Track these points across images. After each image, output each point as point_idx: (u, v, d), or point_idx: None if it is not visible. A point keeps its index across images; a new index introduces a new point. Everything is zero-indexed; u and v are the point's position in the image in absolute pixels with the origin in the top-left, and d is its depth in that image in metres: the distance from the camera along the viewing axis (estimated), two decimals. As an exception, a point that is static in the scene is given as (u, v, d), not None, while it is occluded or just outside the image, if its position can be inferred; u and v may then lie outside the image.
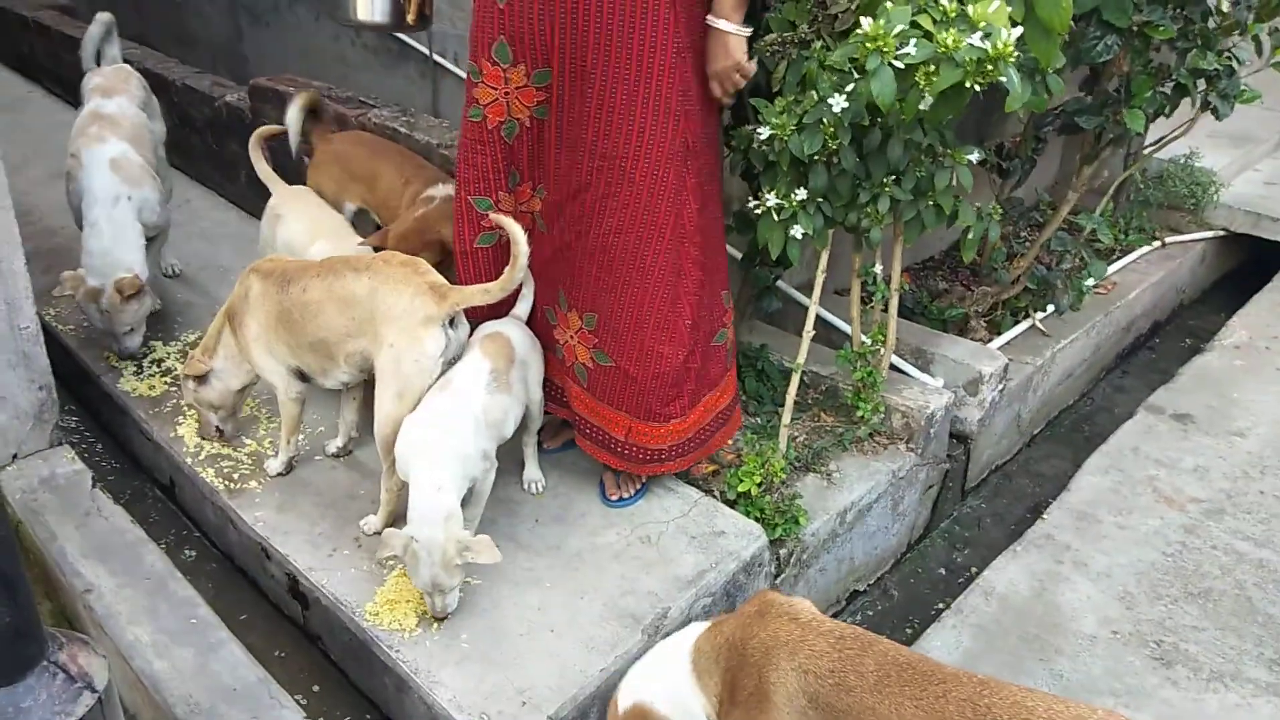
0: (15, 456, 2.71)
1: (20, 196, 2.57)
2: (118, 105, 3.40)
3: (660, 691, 1.93)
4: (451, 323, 2.37)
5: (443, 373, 2.38)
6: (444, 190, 2.93)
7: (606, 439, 2.58)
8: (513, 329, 2.52)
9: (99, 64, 3.75)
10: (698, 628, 1.98)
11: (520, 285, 2.59)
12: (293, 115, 3.25)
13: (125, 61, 3.82)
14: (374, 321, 2.36)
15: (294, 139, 3.28)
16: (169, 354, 3.24)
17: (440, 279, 2.39)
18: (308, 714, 2.12)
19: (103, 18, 3.76)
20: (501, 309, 2.59)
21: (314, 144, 3.30)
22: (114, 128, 3.29)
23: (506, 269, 2.35)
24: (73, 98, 3.56)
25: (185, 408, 2.93)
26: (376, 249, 2.72)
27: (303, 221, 2.91)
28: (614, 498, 2.62)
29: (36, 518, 2.55)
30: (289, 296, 2.47)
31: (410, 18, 2.59)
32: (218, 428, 2.77)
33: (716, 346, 2.59)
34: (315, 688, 2.39)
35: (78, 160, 3.20)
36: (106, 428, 3.29)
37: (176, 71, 4.64)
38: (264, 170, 3.11)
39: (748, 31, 2.27)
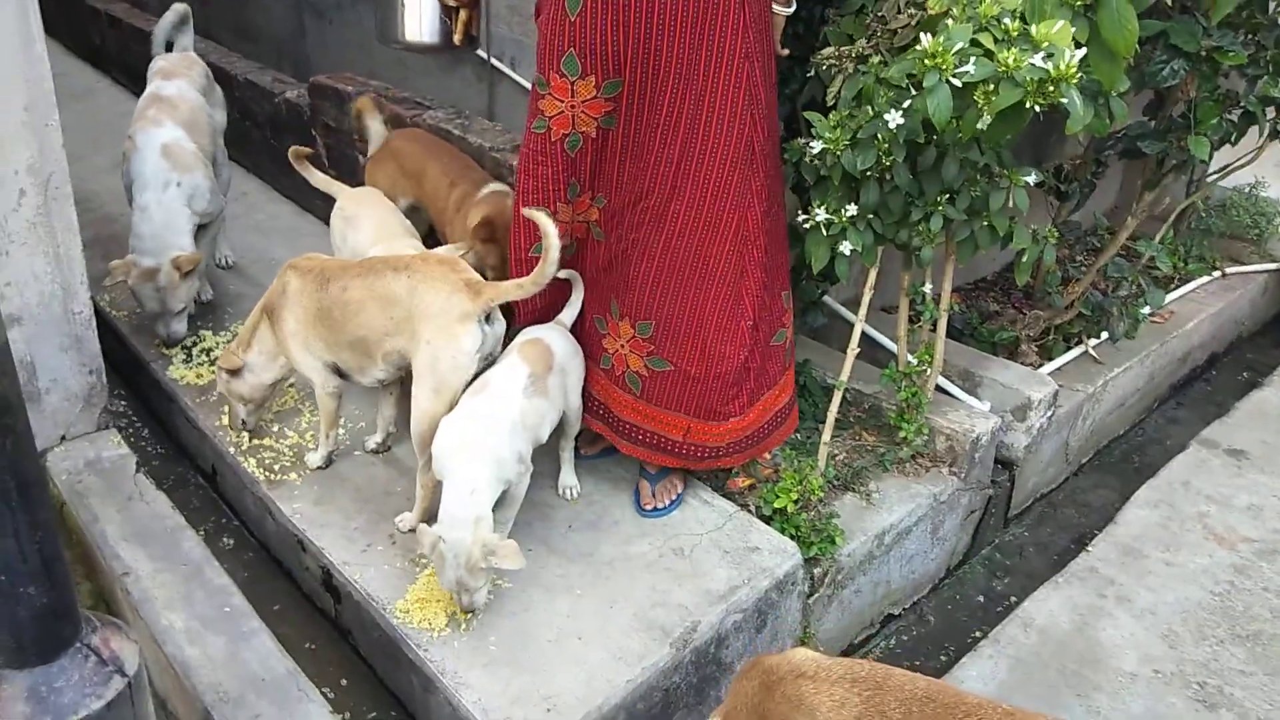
0: (64, 438, 2.76)
1: (81, 184, 2.63)
2: (177, 88, 3.45)
3: None
4: (488, 319, 2.38)
5: (480, 371, 2.39)
6: (493, 187, 2.99)
7: (662, 441, 2.57)
8: (554, 335, 2.51)
9: (168, 52, 3.81)
10: None
11: (571, 293, 2.59)
12: (376, 128, 3.34)
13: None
14: (412, 320, 2.37)
15: (376, 143, 3.37)
16: (218, 343, 3.29)
17: (476, 276, 2.40)
18: (334, 707, 2.13)
19: (178, 8, 3.82)
20: (548, 314, 2.59)
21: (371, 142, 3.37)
22: (171, 111, 3.34)
23: (539, 263, 2.34)
24: (140, 88, 3.63)
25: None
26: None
27: (370, 224, 2.94)
28: (649, 507, 2.60)
29: (80, 499, 2.59)
30: (328, 295, 2.49)
31: (457, 38, 2.60)
32: (243, 420, 2.80)
33: (775, 346, 2.60)
34: (343, 681, 2.40)
35: (133, 142, 3.26)
36: (154, 414, 3.35)
37: (239, 66, 4.72)
38: (319, 180, 3.13)
39: (789, 10, 2.40)
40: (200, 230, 3.38)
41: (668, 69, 2.26)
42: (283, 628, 2.42)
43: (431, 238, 3.31)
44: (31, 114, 2.42)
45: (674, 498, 2.62)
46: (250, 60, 4.95)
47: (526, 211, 2.39)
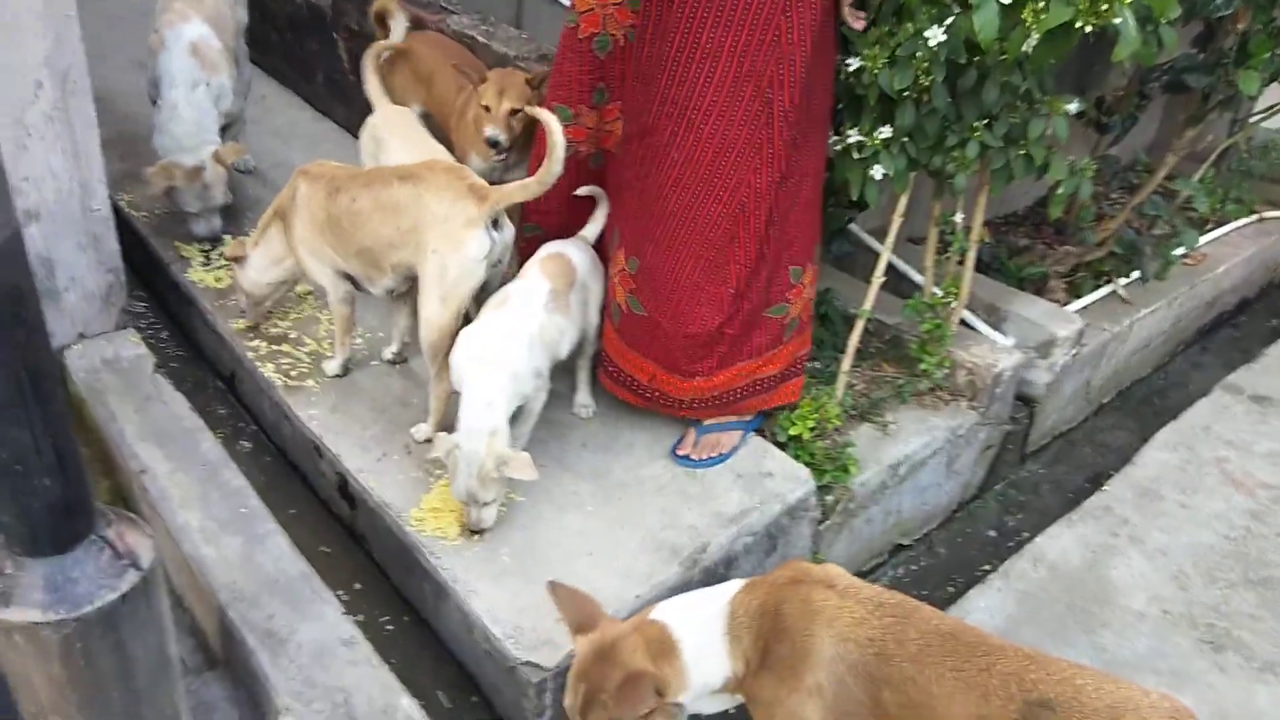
0: (81, 336, 2.76)
1: (100, 82, 2.58)
2: None
3: (690, 631, 1.83)
4: (495, 224, 2.35)
5: (490, 280, 2.37)
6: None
7: (630, 381, 2.54)
8: (575, 250, 2.48)
9: None
10: (735, 585, 1.90)
11: (595, 208, 2.55)
12: (397, 30, 3.26)
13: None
14: (418, 230, 2.35)
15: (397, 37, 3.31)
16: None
17: (480, 181, 2.36)
18: (347, 610, 2.15)
19: None
20: (573, 227, 2.56)
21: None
22: (197, 5, 3.27)
23: (544, 161, 2.29)
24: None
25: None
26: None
27: (399, 148, 2.87)
28: (681, 453, 2.53)
29: (98, 397, 2.60)
30: (337, 205, 2.47)
31: None
32: (241, 310, 2.82)
33: (770, 319, 2.47)
34: (357, 585, 2.43)
35: (159, 38, 3.20)
36: (173, 316, 3.34)
37: (261, -35, 4.60)
38: (373, 86, 3.07)
39: None
40: (222, 131, 3.34)
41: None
42: (298, 532, 2.44)
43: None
44: (49, 4, 2.36)
45: (714, 455, 2.52)
46: (273, -40, 4.82)
47: (531, 109, 2.33)
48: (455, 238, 2.31)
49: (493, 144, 2.79)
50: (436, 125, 3.21)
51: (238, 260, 2.71)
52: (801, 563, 1.89)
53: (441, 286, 2.34)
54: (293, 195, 2.56)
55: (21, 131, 2.42)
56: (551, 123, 2.24)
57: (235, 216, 3.46)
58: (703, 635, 1.82)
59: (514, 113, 2.77)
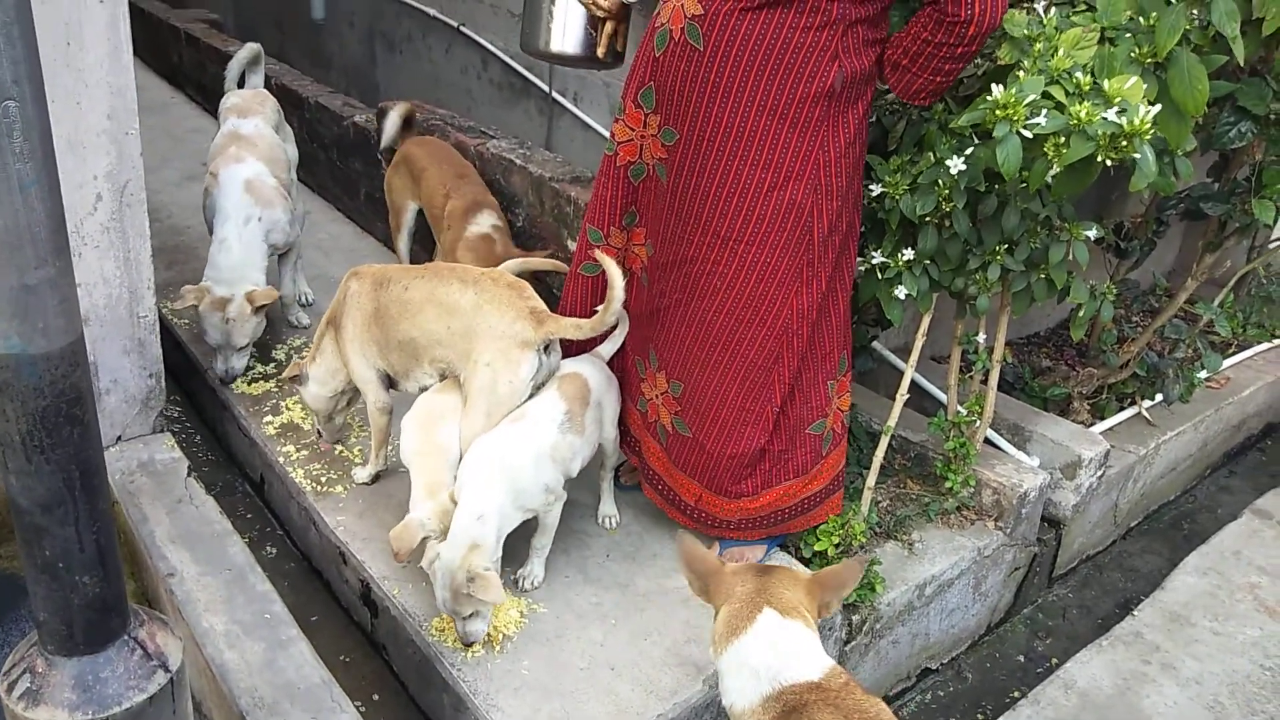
0: (119, 439, 2.82)
1: (153, 195, 2.70)
2: (254, 126, 3.54)
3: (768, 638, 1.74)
4: (546, 349, 2.40)
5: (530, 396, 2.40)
6: (489, 221, 3.20)
7: (676, 499, 2.56)
8: (590, 368, 2.52)
9: (241, 86, 3.90)
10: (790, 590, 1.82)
11: (615, 328, 2.61)
12: (392, 119, 3.54)
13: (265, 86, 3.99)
14: (471, 336, 2.39)
15: (387, 139, 3.66)
16: (273, 357, 3.35)
17: (541, 305, 2.42)
18: (365, 722, 2.13)
19: (252, 46, 3.92)
20: (589, 343, 2.62)
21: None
22: (251, 148, 3.42)
23: (601, 308, 2.37)
24: (212, 105, 3.75)
25: (285, 408, 3.04)
26: None
27: None
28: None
29: (132, 499, 2.64)
30: (388, 294, 2.53)
31: (601, 51, 2.57)
32: (318, 430, 2.85)
33: (811, 435, 2.50)
34: (375, 696, 2.40)
35: (215, 178, 3.33)
36: (207, 421, 3.41)
37: (310, 89, 4.84)
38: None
39: None
40: (281, 260, 3.50)
41: (725, 138, 2.18)
42: (319, 638, 2.43)
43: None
44: (114, 121, 2.50)
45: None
46: (320, 85, 5.08)
47: (597, 256, 2.39)
48: (510, 357, 2.35)
49: None
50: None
51: (297, 380, 2.75)
52: (851, 680, 1.75)
53: (489, 401, 2.37)
54: (344, 296, 2.62)
55: (79, 241, 2.53)
56: (614, 275, 2.31)
57: (272, 326, 3.54)
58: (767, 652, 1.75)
59: None
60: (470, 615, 2.17)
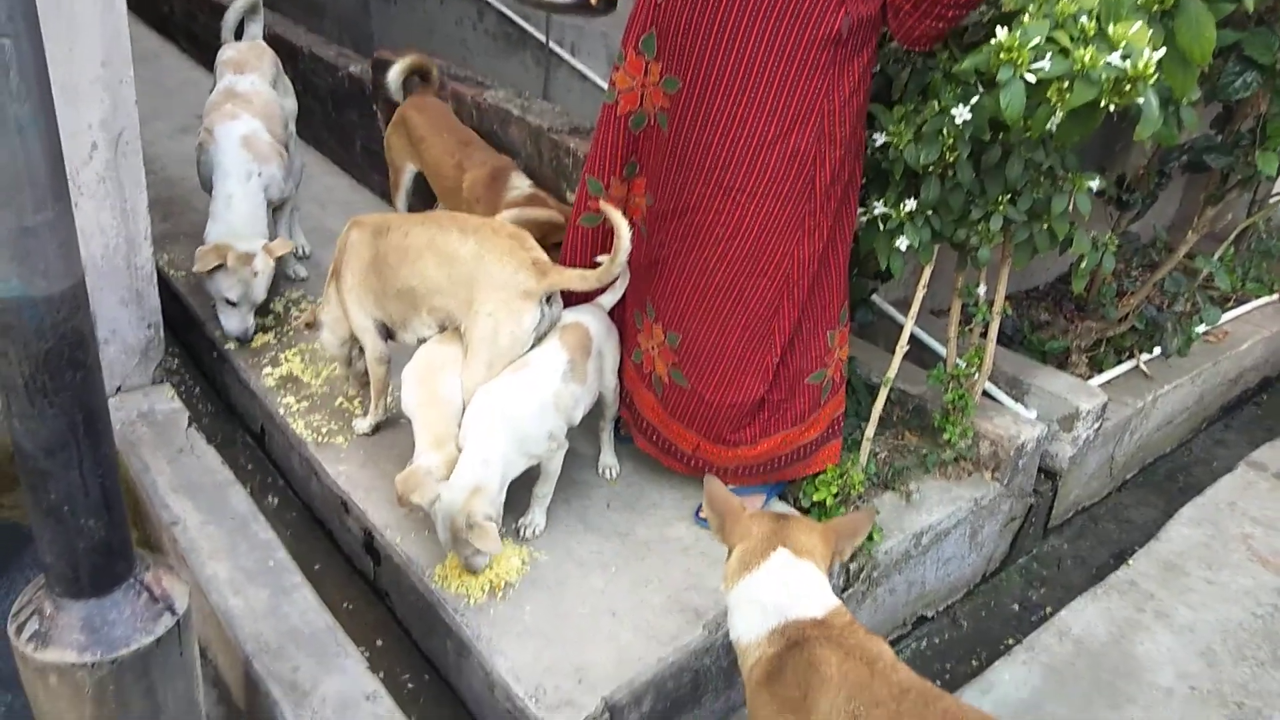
0: (119, 389, 2.82)
1: (146, 146, 2.67)
2: (250, 83, 3.50)
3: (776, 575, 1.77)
4: (548, 300, 2.39)
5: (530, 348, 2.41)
6: (525, 181, 3.13)
7: (672, 448, 2.57)
8: (591, 318, 2.52)
9: (238, 38, 3.84)
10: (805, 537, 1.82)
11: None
12: (394, 74, 3.46)
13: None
14: (471, 285, 2.39)
15: (393, 92, 3.52)
16: (271, 309, 3.34)
17: (543, 256, 2.41)
18: (369, 667, 2.15)
19: None
20: (590, 294, 2.61)
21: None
22: (246, 105, 3.39)
23: (606, 259, 2.36)
24: (204, 56, 3.70)
25: (284, 360, 3.04)
26: None
27: None
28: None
29: (133, 449, 2.64)
30: (386, 242, 2.52)
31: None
32: (346, 376, 2.87)
33: (810, 385, 2.51)
34: (379, 642, 2.43)
35: (210, 135, 3.29)
36: (206, 373, 3.41)
37: (304, 39, 4.78)
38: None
39: None
40: (276, 213, 3.46)
41: (730, 85, 2.16)
42: (322, 588, 2.44)
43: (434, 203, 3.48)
44: (107, 69, 2.47)
45: None
46: (314, 35, 5.01)
47: (603, 207, 2.37)
48: (512, 307, 2.35)
49: None
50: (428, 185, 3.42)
51: (311, 326, 2.78)
52: (855, 623, 1.77)
53: (491, 351, 2.37)
54: (344, 245, 2.62)
55: (75, 190, 2.51)
56: (621, 227, 2.30)
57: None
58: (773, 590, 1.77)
59: None
60: (472, 553, 2.21)
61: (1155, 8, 2.08)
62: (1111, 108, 1.89)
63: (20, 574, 2.48)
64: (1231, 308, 4.01)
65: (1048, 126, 1.99)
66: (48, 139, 1.32)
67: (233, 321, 3.13)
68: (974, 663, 2.71)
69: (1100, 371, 3.41)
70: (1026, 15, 1.97)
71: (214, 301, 3.15)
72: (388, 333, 2.64)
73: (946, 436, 2.79)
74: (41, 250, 1.34)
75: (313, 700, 2.02)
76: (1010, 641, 2.74)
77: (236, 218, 3.17)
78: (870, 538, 2.54)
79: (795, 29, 2.08)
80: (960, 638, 2.83)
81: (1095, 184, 2.44)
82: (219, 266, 3.04)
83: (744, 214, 2.26)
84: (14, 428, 1.44)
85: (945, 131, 2.20)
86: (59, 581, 1.54)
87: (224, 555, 2.35)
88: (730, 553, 1.87)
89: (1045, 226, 2.47)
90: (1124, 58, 1.85)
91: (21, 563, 2.52)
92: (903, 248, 2.41)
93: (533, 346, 2.42)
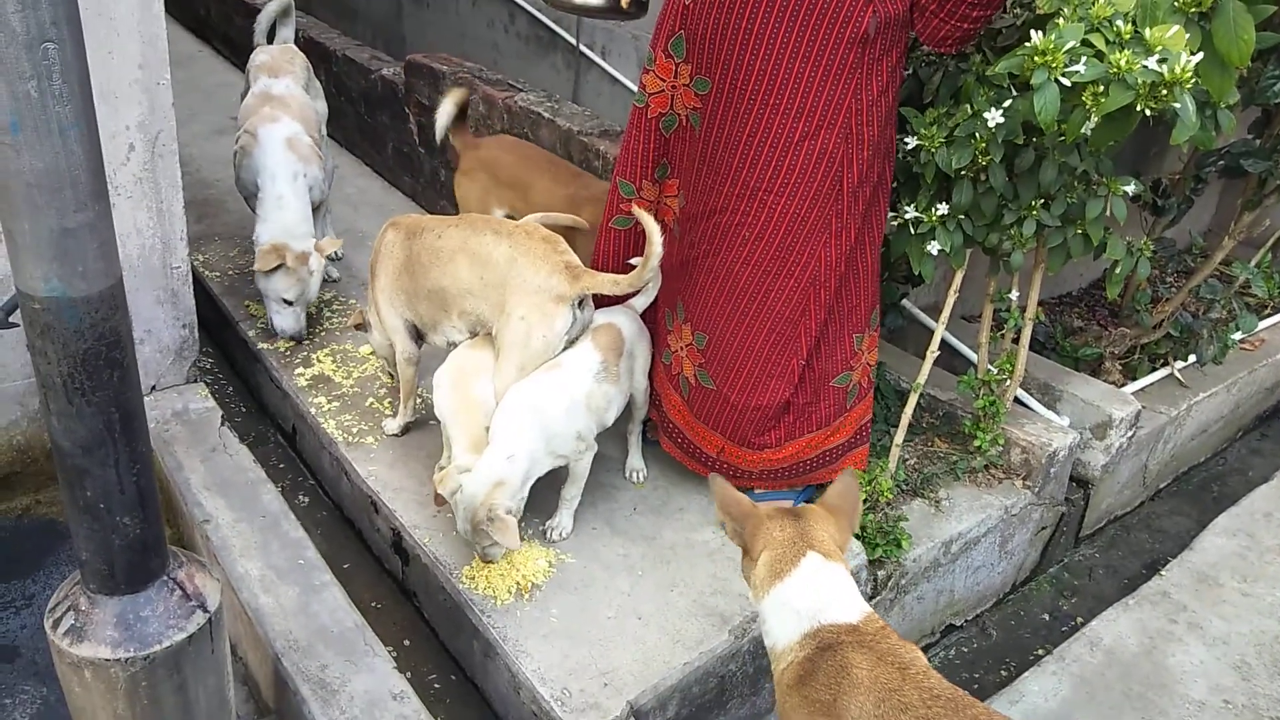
0: (154, 388, 2.86)
1: (182, 148, 2.71)
2: (285, 86, 3.53)
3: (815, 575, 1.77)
4: (580, 304, 2.40)
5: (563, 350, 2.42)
6: None
7: (697, 451, 2.57)
8: (624, 319, 2.53)
9: (270, 41, 3.87)
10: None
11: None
12: (446, 108, 3.24)
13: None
14: (504, 288, 2.40)
15: (440, 130, 3.22)
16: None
17: (576, 260, 2.42)
18: (397, 666, 2.17)
19: None
20: (622, 296, 2.61)
21: (455, 146, 3.27)
22: (284, 108, 3.42)
23: (639, 263, 2.36)
24: (239, 58, 3.73)
25: (316, 360, 3.07)
26: None
27: None
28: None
29: (166, 447, 2.68)
30: (420, 242, 2.53)
31: (625, 1, 2.54)
32: (389, 373, 2.89)
33: (835, 388, 2.50)
34: (406, 642, 2.45)
35: (254, 137, 3.31)
36: (239, 372, 3.45)
37: (338, 42, 4.83)
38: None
39: None
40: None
41: (756, 89, 2.16)
42: (351, 586, 2.47)
43: None
44: (145, 71, 2.51)
45: None
46: (348, 38, 5.06)
47: (635, 212, 2.37)
48: (545, 311, 2.36)
49: None
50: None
51: (360, 327, 2.83)
52: (888, 629, 1.76)
53: (523, 355, 2.38)
54: (380, 246, 2.64)
55: (112, 191, 2.55)
56: (653, 232, 2.30)
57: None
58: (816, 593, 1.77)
59: None
60: (489, 544, 2.23)
61: (1193, 10, 2.05)
62: (1147, 112, 1.87)
63: (56, 570, 2.52)
64: (1269, 315, 3.95)
65: (1082, 131, 1.97)
66: (89, 141, 1.34)
67: (288, 321, 3.16)
68: (1003, 672, 2.69)
69: (1134, 379, 3.37)
70: (1061, 18, 1.95)
71: (265, 301, 3.17)
72: (418, 335, 2.66)
73: (977, 443, 2.77)
74: (81, 251, 1.36)
75: (341, 698, 2.03)
76: (1040, 651, 2.72)
77: (289, 218, 3.19)
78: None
79: (823, 29, 2.08)
80: (989, 647, 2.80)
81: (1131, 188, 2.42)
82: (278, 266, 3.06)
83: (770, 215, 2.26)
84: (52, 426, 1.46)
85: (978, 135, 2.19)
86: (94, 577, 1.56)
87: (255, 553, 2.37)
88: (745, 553, 1.87)
89: (1079, 231, 2.44)
90: (1160, 62, 1.83)
91: (58, 559, 2.55)
92: (934, 252, 2.40)
93: (563, 350, 2.43)
